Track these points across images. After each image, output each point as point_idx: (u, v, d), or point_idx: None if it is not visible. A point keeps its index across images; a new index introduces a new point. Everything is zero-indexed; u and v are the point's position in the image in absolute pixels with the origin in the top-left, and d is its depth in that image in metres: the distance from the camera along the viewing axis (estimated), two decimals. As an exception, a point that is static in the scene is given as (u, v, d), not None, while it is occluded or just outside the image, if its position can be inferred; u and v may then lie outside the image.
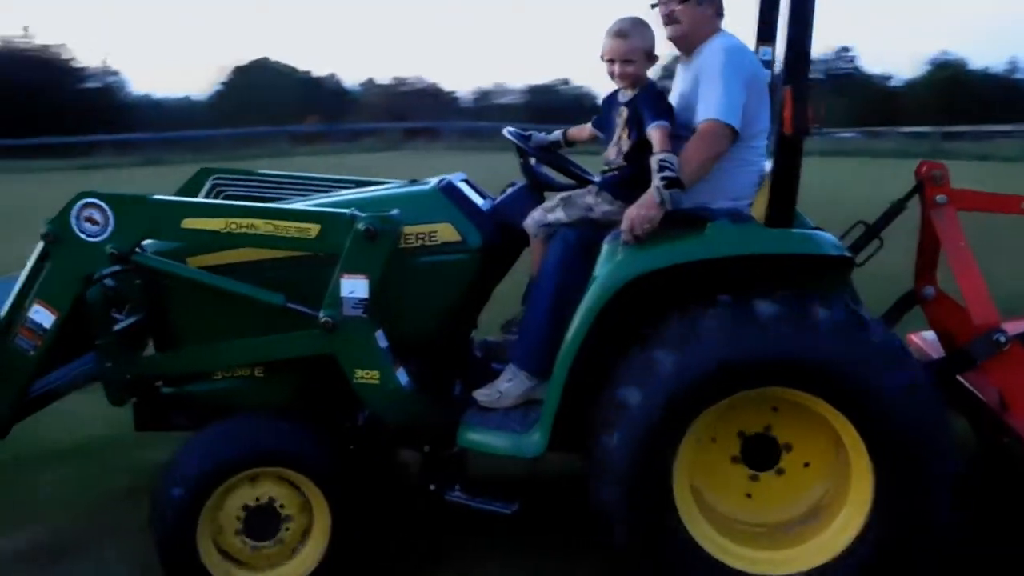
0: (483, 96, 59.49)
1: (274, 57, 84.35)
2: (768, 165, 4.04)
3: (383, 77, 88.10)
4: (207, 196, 4.94)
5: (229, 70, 62.56)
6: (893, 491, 3.47)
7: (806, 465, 3.75)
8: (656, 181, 3.58)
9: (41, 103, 44.08)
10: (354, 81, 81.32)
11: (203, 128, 41.40)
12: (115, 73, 64.16)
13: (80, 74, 55.81)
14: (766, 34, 4.54)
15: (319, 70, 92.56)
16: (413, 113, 47.77)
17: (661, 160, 3.62)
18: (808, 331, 3.41)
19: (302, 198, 4.63)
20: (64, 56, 55.22)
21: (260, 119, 41.48)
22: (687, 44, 4.07)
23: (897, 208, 4.57)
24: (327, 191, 4.80)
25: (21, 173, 27.72)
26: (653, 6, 4.08)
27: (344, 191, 4.60)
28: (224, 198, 4.94)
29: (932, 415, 3.42)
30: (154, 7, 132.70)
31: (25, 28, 77.64)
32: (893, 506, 3.49)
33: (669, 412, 3.49)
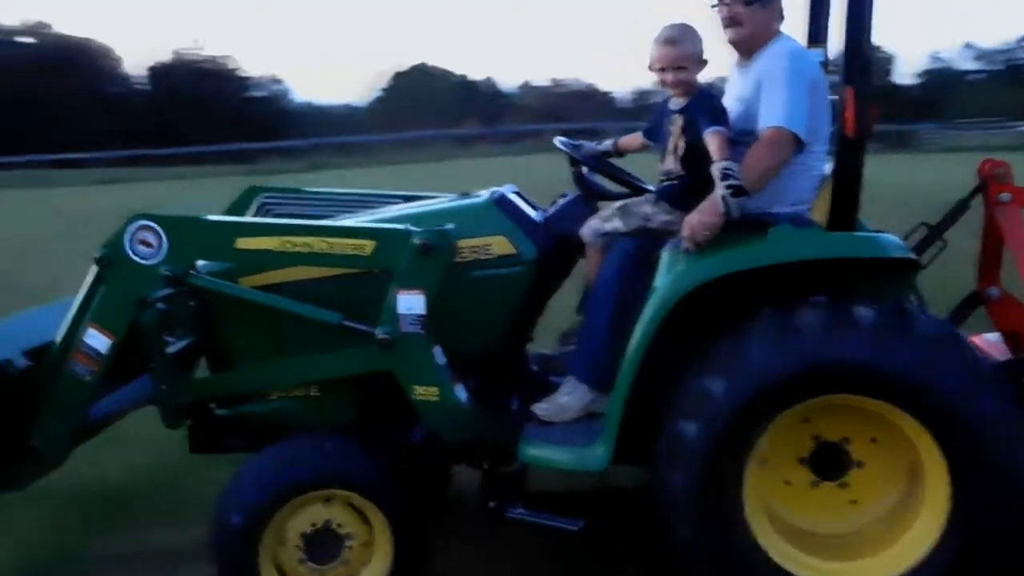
0: (641, 96, 58.36)
1: (431, 62, 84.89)
2: (828, 168, 3.97)
3: (540, 79, 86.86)
4: (255, 215, 4.92)
5: (388, 76, 63.53)
6: (971, 507, 3.40)
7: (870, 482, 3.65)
8: (721, 190, 3.51)
9: (211, 111, 44.96)
10: (511, 84, 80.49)
11: (364, 134, 42.04)
12: (279, 82, 65.51)
13: (246, 83, 57.88)
14: (817, 35, 4.46)
15: (475, 74, 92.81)
16: (571, 114, 47.03)
17: (724, 168, 3.55)
18: (904, 341, 3.35)
19: (351, 215, 4.60)
20: (231, 66, 57.48)
21: (419, 123, 41.98)
22: (748, 47, 3.99)
23: (961, 207, 4.47)
24: (376, 207, 4.76)
25: (196, 179, 28.11)
26: (713, 6, 4.01)
27: (395, 206, 4.55)
28: (272, 216, 4.91)
29: (1017, 432, 3.35)
30: (315, 17, 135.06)
31: (195, 40, 78.83)
32: (971, 523, 3.41)
33: (755, 405, 3.42)
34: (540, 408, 3.96)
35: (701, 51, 3.88)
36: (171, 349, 4.07)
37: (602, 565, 4.33)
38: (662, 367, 3.58)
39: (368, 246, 3.78)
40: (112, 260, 3.86)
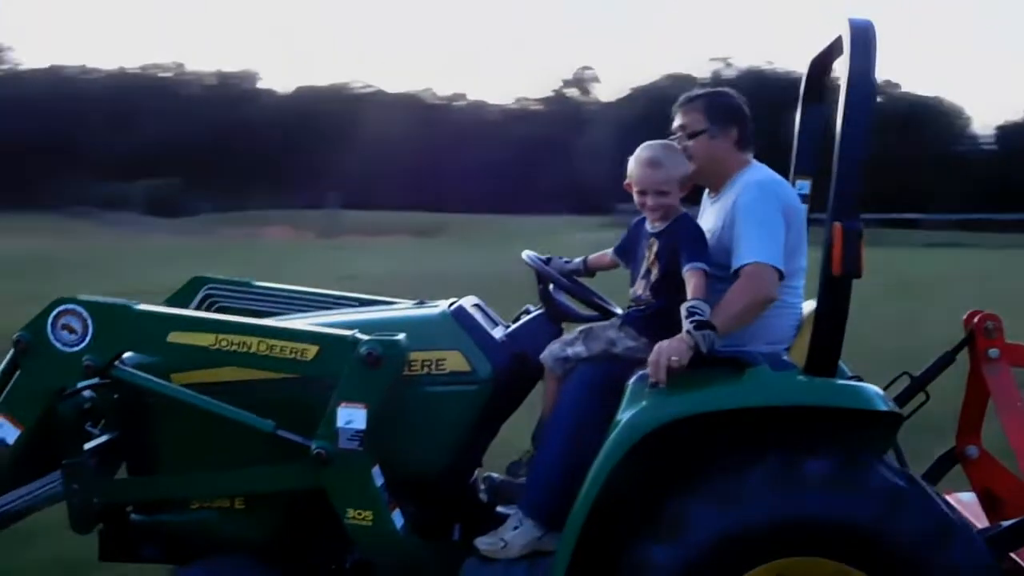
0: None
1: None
2: (807, 307, 3.75)
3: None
4: (199, 307, 4.63)
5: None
6: None
7: None
8: (687, 325, 3.30)
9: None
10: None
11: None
12: None
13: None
14: (804, 166, 4.28)
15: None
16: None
17: (691, 307, 3.35)
18: (869, 497, 3.11)
19: (302, 315, 4.32)
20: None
21: None
22: (707, 180, 3.83)
23: (946, 360, 4.25)
24: (329, 308, 4.49)
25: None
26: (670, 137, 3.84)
27: (348, 311, 4.29)
28: (217, 310, 4.62)
29: None
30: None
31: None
32: None
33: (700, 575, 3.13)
34: (482, 542, 3.64)
35: (684, 173, 3.69)
36: (88, 446, 3.74)
37: None
38: (619, 507, 3.31)
39: (310, 351, 3.50)
40: (30, 344, 3.54)
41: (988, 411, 4.33)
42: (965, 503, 4.62)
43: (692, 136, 3.77)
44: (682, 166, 3.68)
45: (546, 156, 59.43)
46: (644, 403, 3.32)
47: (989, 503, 4.36)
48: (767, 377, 3.31)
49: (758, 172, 3.79)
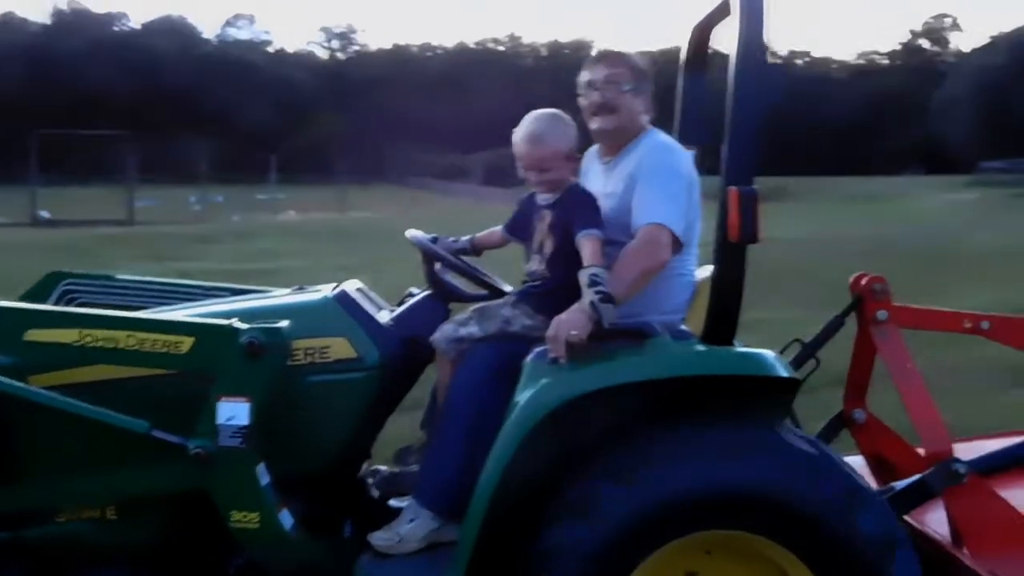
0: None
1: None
2: (699, 275, 3.69)
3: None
4: (57, 304, 4.29)
5: None
6: None
7: None
8: (589, 295, 3.18)
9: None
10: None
11: None
12: None
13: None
14: (689, 136, 4.20)
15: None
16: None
17: (593, 275, 3.23)
18: (779, 464, 3.06)
19: (172, 308, 4.04)
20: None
21: None
22: (616, 138, 3.70)
23: (835, 325, 4.24)
24: (200, 300, 4.22)
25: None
26: (580, 94, 3.71)
27: (223, 300, 4.03)
28: (78, 305, 4.29)
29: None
30: None
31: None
32: None
33: (614, 554, 3.03)
34: (377, 538, 3.45)
35: (569, 146, 3.56)
36: None
37: None
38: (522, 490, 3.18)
39: (185, 343, 3.25)
40: None
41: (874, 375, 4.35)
42: (854, 467, 4.65)
43: (621, 90, 3.64)
44: (565, 139, 3.56)
45: (894, 113, 57.85)
46: (544, 381, 3.19)
47: (878, 467, 4.39)
48: (668, 348, 3.23)
49: (661, 136, 3.71)
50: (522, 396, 3.22)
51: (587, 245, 3.34)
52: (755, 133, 3.23)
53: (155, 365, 3.30)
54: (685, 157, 3.69)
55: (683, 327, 3.50)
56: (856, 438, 4.46)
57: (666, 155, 3.59)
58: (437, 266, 3.86)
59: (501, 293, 3.83)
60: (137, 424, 3.26)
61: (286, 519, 3.30)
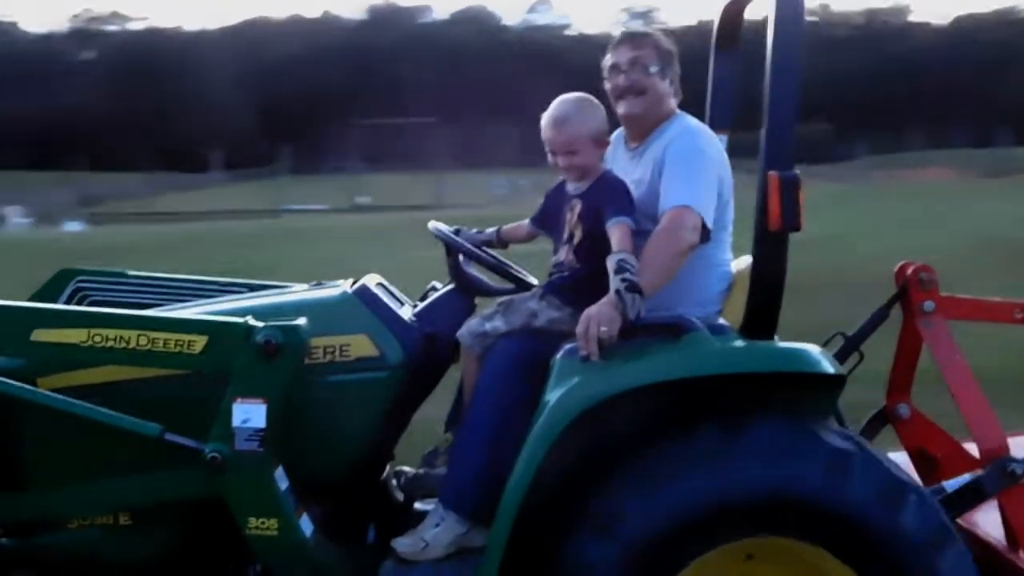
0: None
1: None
2: (736, 265, 3.52)
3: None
4: (68, 303, 4.16)
5: None
6: None
7: None
8: (616, 283, 3.02)
9: None
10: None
11: None
12: None
13: None
14: (721, 120, 4.03)
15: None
16: None
17: (620, 260, 3.07)
18: (819, 465, 2.91)
19: (186, 305, 3.91)
20: None
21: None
22: (645, 124, 3.55)
23: (879, 316, 4.05)
24: (216, 297, 4.08)
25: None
26: (606, 77, 3.55)
27: (238, 297, 3.88)
28: (89, 303, 4.16)
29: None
30: None
31: None
32: None
33: (642, 570, 2.88)
34: (402, 543, 3.30)
35: (597, 129, 3.41)
36: None
37: None
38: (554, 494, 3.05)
39: (198, 343, 3.11)
40: None
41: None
42: (899, 464, 4.47)
43: (648, 72, 3.50)
44: (593, 122, 3.41)
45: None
46: (575, 379, 3.03)
47: (922, 464, 4.20)
48: (706, 343, 3.06)
49: (690, 120, 3.58)
50: (552, 395, 3.06)
51: (616, 231, 3.19)
52: (793, 115, 3.06)
53: (167, 365, 3.17)
54: (715, 141, 3.55)
55: (721, 320, 3.33)
56: (900, 434, 4.28)
57: (695, 138, 3.45)
58: (462, 259, 3.70)
59: (529, 286, 3.66)
60: (149, 428, 3.13)
61: (306, 525, 3.18)
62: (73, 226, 34.73)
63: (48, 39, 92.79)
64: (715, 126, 4.03)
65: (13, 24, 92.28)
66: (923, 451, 4.18)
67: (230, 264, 15.24)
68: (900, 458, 4.38)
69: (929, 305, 3.85)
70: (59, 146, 70.63)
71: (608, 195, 3.30)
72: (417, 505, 3.65)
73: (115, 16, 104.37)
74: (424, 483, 3.67)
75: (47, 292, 4.16)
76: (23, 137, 68.30)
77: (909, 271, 3.90)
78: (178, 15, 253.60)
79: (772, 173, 3.02)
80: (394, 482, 3.82)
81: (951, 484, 3.69)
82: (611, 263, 3.08)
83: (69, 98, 72.29)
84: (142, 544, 3.34)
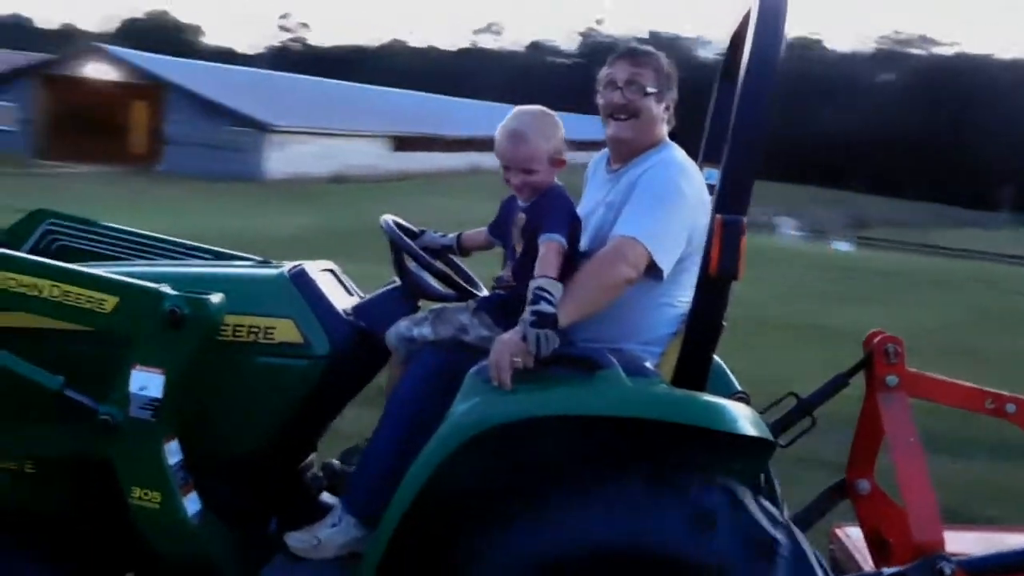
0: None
1: None
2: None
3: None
4: (38, 243, 4.13)
5: None
6: None
7: None
8: (525, 314, 2.88)
9: None
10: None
11: None
12: None
13: None
14: (713, 154, 3.85)
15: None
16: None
17: (537, 288, 2.92)
18: (705, 533, 2.71)
19: (140, 263, 3.84)
20: None
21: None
22: (631, 148, 3.38)
23: (838, 383, 3.83)
24: (180, 259, 4.02)
25: None
26: (599, 91, 3.40)
27: (183, 262, 3.81)
28: (57, 249, 4.13)
29: None
30: None
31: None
32: None
33: None
34: (294, 538, 3.19)
35: (556, 148, 3.22)
36: None
37: None
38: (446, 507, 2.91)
39: (109, 302, 3.03)
40: None
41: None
42: (854, 540, 4.25)
43: (644, 93, 3.34)
44: (553, 140, 3.23)
45: None
46: (477, 400, 2.89)
47: (876, 543, 3.99)
48: (617, 384, 2.87)
49: (675, 152, 3.40)
50: (454, 411, 2.93)
51: (542, 250, 3.02)
52: (755, 161, 2.89)
53: (75, 320, 3.10)
54: (697, 180, 3.35)
55: (650, 364, 3.13)
56: (857, 510, 4.07)
57: (672, 171, 3.27)
58: (406, 258, 3.57)
59: (471, 296, 3.52)
60: (52, 380, 3.06)
61: (192, 504, 3.09)
62: (841, 245, 34.31)
63: (851, 59, 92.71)
64: (708, 158, 3.87)
65: (818, 41, 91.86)
66: (877, 531, 3.97)
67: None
68: (858, 533, 4.19)
69: (892, 379, 3.63)
70: (839, 165, 70.15)
71: (546, 210, 3.14)
72: (326, 497, 3.54)
73: (923, 39, 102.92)
74: (343, 480, 3.57)
75: (19, 229, 4.13)
76: (808, 152, 67.50)
77: (876, 339, 3.68)
78: (991, 43, 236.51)
79: (718, 216, 2.85)
80: (319, 474, 3.72)
81: (888, 571, 3.49)
82: (531, 288, 2.94)
83: (859, 119, 71.63)
84: (44, 494, 3.29)
